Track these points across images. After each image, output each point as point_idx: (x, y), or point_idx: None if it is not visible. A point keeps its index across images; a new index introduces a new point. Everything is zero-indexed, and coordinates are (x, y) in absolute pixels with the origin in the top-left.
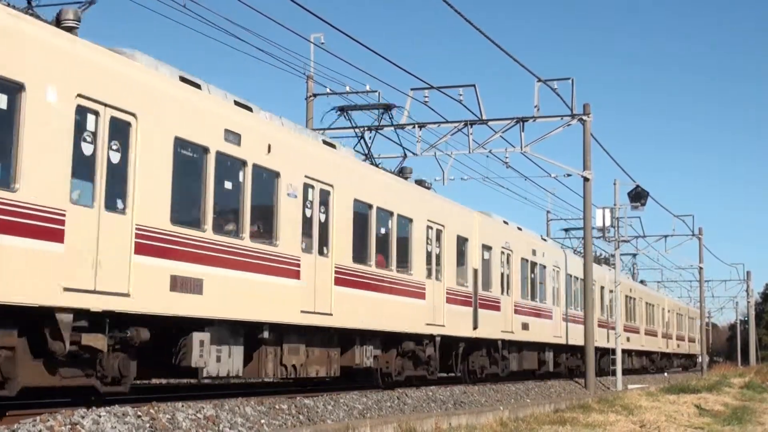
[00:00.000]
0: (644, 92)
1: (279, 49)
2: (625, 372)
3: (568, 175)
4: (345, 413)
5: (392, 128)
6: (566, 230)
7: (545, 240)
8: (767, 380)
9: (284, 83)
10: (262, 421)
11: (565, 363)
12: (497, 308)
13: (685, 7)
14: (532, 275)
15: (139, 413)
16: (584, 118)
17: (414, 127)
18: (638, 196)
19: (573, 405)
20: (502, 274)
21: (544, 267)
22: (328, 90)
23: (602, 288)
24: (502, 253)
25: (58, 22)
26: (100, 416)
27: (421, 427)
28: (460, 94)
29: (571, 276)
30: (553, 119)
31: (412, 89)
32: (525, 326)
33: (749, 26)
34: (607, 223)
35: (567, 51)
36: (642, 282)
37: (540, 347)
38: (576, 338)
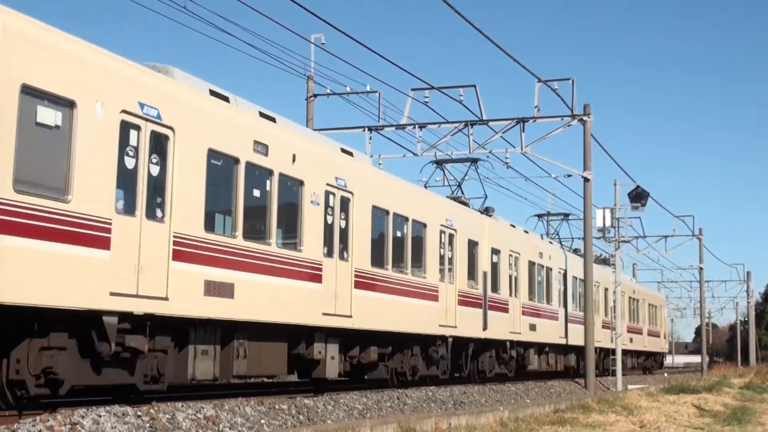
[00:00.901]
0: (644, 92)
1: (279, 49)
2: (532, 376)
3: (569, 176)
4: (345, 413)
5: (393, 128)
6: (538, 216)
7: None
8: (767, 381)
9: (284, 83)
10: (262, 421)
11: (387, 364)
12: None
13: (685, 7)
14: (288, 199)
15: (139, 413)
16: (584, 118)
17: (414, 127)
18: (638, 196)
19: (573, 405)
20: (196, 189)
21: (334, 195)
22: (328, 90)
23: (474, 243)
24: (215, 159)
25: None
26: (100, 416)
27: (421, 427)
28: (461, 95)
29: (407, 219)
30: (553, 119)
31: (412, 89)
32: (214, 290)
33: (749, 26)
34: (608, 223)
35: (567, 51)
36: (575, 251)
37: (300, 334)
38: (398, 322)
